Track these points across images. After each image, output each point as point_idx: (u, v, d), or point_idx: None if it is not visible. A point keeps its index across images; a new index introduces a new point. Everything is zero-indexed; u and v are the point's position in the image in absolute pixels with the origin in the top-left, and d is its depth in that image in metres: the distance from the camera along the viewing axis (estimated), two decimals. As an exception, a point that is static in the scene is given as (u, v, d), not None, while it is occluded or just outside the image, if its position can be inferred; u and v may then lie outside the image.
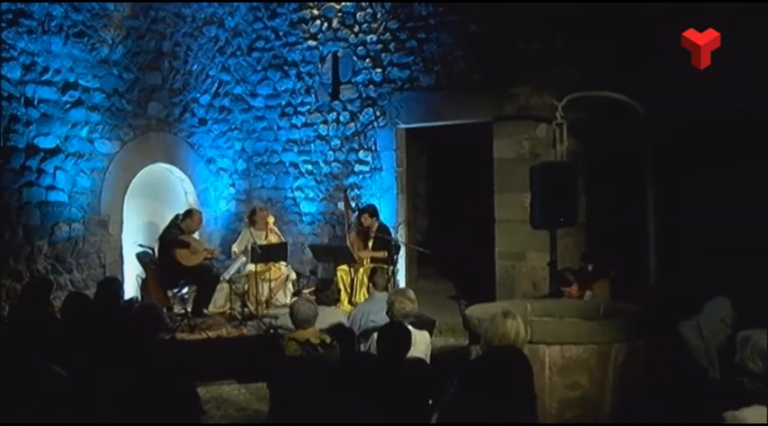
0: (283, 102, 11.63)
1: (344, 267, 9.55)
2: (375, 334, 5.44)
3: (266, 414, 5.64)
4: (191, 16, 10.81)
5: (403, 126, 10.68)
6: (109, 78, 9.49)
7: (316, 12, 11.30)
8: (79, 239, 9.16)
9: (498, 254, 9.67)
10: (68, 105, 8.98)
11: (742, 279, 6.46)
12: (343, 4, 11.05)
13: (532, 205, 8.75)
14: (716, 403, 3.59)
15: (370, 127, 10.86)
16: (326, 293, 9.93)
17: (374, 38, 10.78)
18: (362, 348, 6.26)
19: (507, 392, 3.30)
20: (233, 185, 11.86)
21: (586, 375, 5.47)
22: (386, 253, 9.39)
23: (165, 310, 7.29)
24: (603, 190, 8.79)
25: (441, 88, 10.21)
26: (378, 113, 10.78)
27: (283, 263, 10.03)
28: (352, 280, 9.44)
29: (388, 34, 10.63)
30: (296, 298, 6.43)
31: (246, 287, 9.82)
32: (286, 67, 11.58)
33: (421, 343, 5.58)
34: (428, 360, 5.60)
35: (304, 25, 11.40)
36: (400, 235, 10.37)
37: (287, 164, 11.67)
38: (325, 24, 11.22)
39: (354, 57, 10.98)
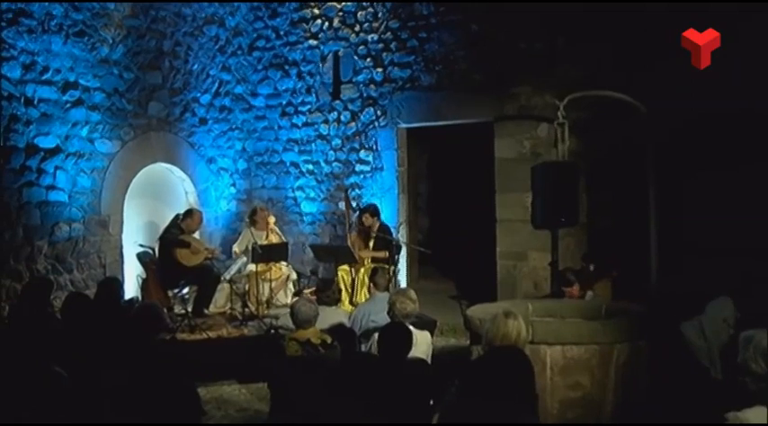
0: (284, 102, 11.62)
1: (345, 267, 9.55)
2: (376, 335, 5.44)
3: (267, 415, 5.63)
4: (191, 15, 10.80)
5: (404, 125, 10.67)
6: (109, 78, 9.48)
7: (316, 11, 11.29)
8: (79, 239, 9.15)
9: (499, 254, 9.65)
10: (68, 105, 8.97)
11: (744, 279, 6.44)
12: (343, 3, 11.04)
13: (534, 205, 8.74)
14: (718, 403, 3.58)
15: (371, 126, 10.85)
16: (327, 293, 9.91)
17: (375, 37, 10.76)
18: (363, 348, 6.25)
19: (508, 392, 3.29)
20: (233, 185, 11.85)
21: (588, 375, 5.45)
22: (387, 253, 9.38)
23: (165, 310, 7.28)
24: (605, 190, 8.77)
25: (442, 88, 10.20)
26: (379, 113, 10.77)
27: (284, 263, 10.03)
28: (353, 280, 9.43)
29: (389, 33, 10.62)
30: (297, 298, 6.41)
31: (247, 287, 9.81)
32: (287, 67, 11.57)
33: (422, 344, 5.57)
34: (429, 361, 5.59)
35: (305, 24, 11.39)
36: (401, 235, 10.36)
37: (288, 164, 11.66)
38: (326, 24, 11.20)
39: (355, 57, 10.97)
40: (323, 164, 11.32)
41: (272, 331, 8.21)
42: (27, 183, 8.52)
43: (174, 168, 10.90)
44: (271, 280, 9.77)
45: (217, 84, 11.36)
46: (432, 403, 4.82)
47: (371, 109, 10.83)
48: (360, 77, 10.93)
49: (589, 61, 8.81)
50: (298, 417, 4.76)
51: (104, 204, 9.49)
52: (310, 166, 11.45)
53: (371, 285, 7.50)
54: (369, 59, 10.85)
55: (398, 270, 10.04)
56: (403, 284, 10.09)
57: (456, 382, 4.13)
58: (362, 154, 10.95)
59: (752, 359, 3.60)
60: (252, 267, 9.55)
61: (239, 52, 11.68)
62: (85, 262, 9.20)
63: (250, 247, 9.45)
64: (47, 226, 8.74)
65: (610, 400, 5.49)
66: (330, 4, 11.15)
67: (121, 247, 9.75)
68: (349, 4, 10.99)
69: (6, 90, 8.23)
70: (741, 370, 3.65)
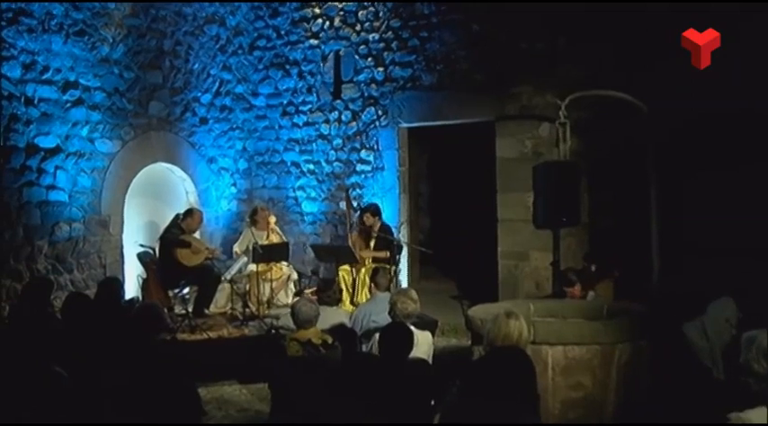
0: (285, 102, 11.61)
1: (346, 267, 9.55)
2: (377, 335, 5.44)
3: (268, 415, 5.62)
4: (192, 15, 10.78)
5: (405, 125, 10.66)
6: (109, 77, 9.46)
7: (317, 10, 11.28)
8: (80, 239, 9.14)
9: (501, 254, 9.64)
10: (69, 104, 8.95)
11: (746, 280, 6.43)
12: (344, 2, 11.02)
13: (535, 204, 8.74)
14: (720, 403, 3.57)
15: (372, 126, 10.83)
16: (328, 293, 9.95)
17: (376, 36, 10.75)
18: (364, 348, 6.24)
19: (510, 392, 3.28)
20: (234, 185, 11.84)
21: (589, 375, 5.45)
22: (388, 253, 9.38)
23: (165, 310, 7.27)
24: (606, 190, 8.76)
25: (443, 87, 10.18)
26: (380, 112, 10.76)
27: (285, 263, 10.02)
28: (354, 280, 9.43)
29: (390, 33, 10.61)
30: (297, 298, 6.41)
31: (248, 287, 9.81)
32: (288, 66, 11.56)
33: (423, 344, 5.56)
34: (430, 361, 5.58)
35: (306, 24, 11.38)
36: (402, 235, 10.35)
37: (288, 164, 11.65)
38: (327, 23, 11.19)
39: (356, 56, 10.95)
40: (324, 164, 11.31)
41: (273, 331, 8.22)
42: (27, 183, 8.51)
43: (175, 168, 10.89)
44: (271, 280, 9.77)
45: (217, 84, 11.34)
46: (433, 403, 4.81)
47: (372, 108, 10.82)
48: (361, 77, 10.91)
49: (590, 61, 8.80)
50: (298, 417, 4.75)
51: (105, 204, 9.47)
52: (311, 166, 11.44)
53: (372, 285, 7.50)
54: (370, 59, 10.83)
55: (399, 271, 10.04)
56: (404, 284, 10.07)
57: (457, 382, 4.12)
58: (363, 153, 10.93)
59: (754, 359, 3.59)
60: (253, 267, 9.54)
61: (240, 51, 11.67)
62: (86, 262, 9.19)
63: (251, 247, 9.44)
64: (47, 226, 8.73)
65: (611, 400, 5.48)
66: (331, 3, 11.14)
67: (122, 247, 9.73)
68: (350, 3, 10.98)
69: (6, 89, 8.21)
70: (743, 371, 3.64)
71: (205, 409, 5.31)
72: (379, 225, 9.62)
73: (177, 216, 9.65)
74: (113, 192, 9.63)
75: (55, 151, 8.80)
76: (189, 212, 9.72)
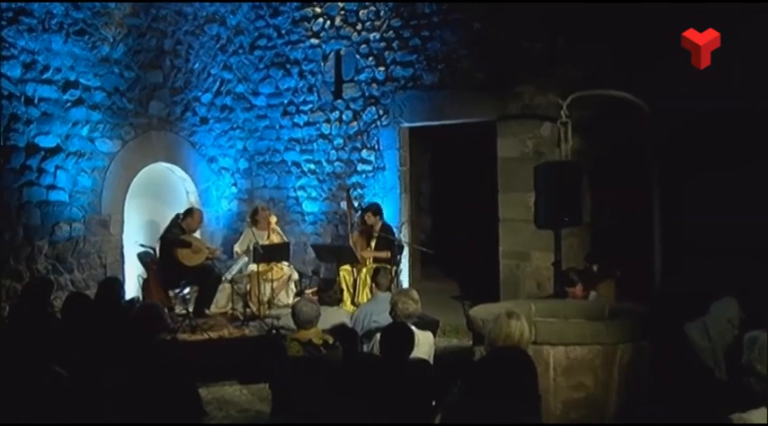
0: (285, 101, 11.60)
1: (347, 267, 9.54)
2: (378, 335, 5.43)
3: (268, 415, 5.61)
4: (192, 14, 10.77)
5: (406, 125, 10.64)
6: (110, 77, 9.45)
7: (318, 10, 11.27)
8: (80, 239, 9.13)
9: (502, 254, 9.63)
10: (69, 104, 8.95)
11: (748, 280, 6.42)
12: (345, 2, 11.01)
13: (537, 204, 8.70)
14: (722, 404, 3.57)
15: (373, 125, 10.82)
16: (329, 293, 9.94)
17: (377, 36, 10.74)
18: (365, 349, 6.23)
19: (511, 393, 3.27)
20: (235, 184, 11.83)
21: (591, 375, 5.43)
22: (389, 253, 9.38)
23: (166, 310, 7.26)
24: (608, 190, 8.74)
25: (444, 87, 10.17)
26: (381, 112, 10.75)
27: (285, 263, 10.02)
28: (355, 281, 9.43)
29: (391, 32, 10.60)
30: (298, 299, 6.40)
31: (248, 287, 9.80)
32: (288, 66, 11.55)
33: (424, 344, 5.55)
34: (431, 361, 5.57)
35: (306, 23, 11.37)
36: (403, 235, 10.35)
37: (289, 164, 11.64)
38: (328, 22, 11.18)
39: (357, 56, 10.94)
40: (325, 164, 11.30)
41: (274, 331, 8.21)
42: (27, 183, 8.50)
43: (175, 168, 10.88)
44: (272, 280, 9.77)
45: (218, 83, 11.33)
46: (434, 403, 4.80)
47: (373, 108, 10.80)
48: (362, 76, 10.90)
49: (590, 61, 8.79)
50: (299, 418, 4.74)
51: (105, 204, 9.47)
52: (312, 166, 11.43)
53: (373, 285, 7.49)
54: (371, 58, 10.82)
55: (400, 271, 10.02)
56: (405, 284, 10.06)
57: (458, 382, 4.12)
58: (364, 153, 10.92)
59: (757, 359, 3.58)
60: (253, 267, 9.53)
61: (240, 51, 11.66)
62: (86, 262, 9.18)
63: (251, 247, 9.43)
64: (47, 226, 8.72)
65: (613, 400, 5.47)
66: (332, 2, 11.13)
67: (122, 247, 9.72)
68: (351, 2, 10.96)
69: (6, 89, 8.20)
70: (746, 371, 3.63)
71: (206, 409, 5.31)
72: (380, 224, 9.62)
73: (177, 215, 9.64)
74: (114, 192, 9.62)
75: (55, 151, 8.79)
76: (189, 212, 9.71)
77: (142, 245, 9.58)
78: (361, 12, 10.89)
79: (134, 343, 5.06)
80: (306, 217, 11.52)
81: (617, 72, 8.43)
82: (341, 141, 11.13)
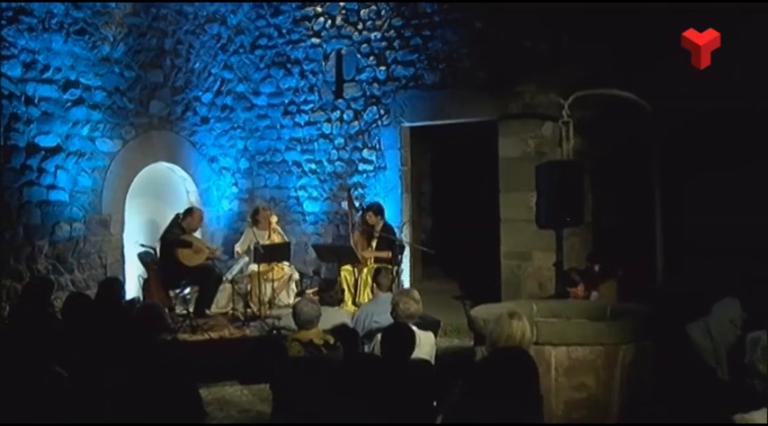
0: (286, 101, 11.59)
1: (348, 267, 9.53)
2: (379, 335, 5.42)
3: (269, 416, 5.62)
4: (193, 14, 10.76)
5: (407, 124, 10.63)
6: (110, 76, 9.44)
7: (319, 9, 11.26)
8: (80, 239, 9.11)
9: (504, 254, 9.62)
10: (69, 103, 8.93)
11: (750, 280, 6.42)
12: (346, 1, 11.00)
13: (538, 204, 8.69)
14: (724, 404, 3.56)
15: (375, 125, 10.81)
16: (330, 293, 9.92)
17: (378, 35, 10.73)
18: (366, 349, 6.23)
19: (513, 393, 3.27)
20: (235, 184, 11.81)
21: (593, 376, 5.43)
22: (390, 253, 9.37)
23: (166, 310, 7.24)
24: (610, 189, 8.74)
25: (445, 86, 10.16)
26: (382, 112, 10.74)
27: (286, 263, 10.01)
28: (356, 281, 9.41)
29: (392, 32, 10.59)
30: (299, 299, 6.39)
31: (249, 287, 9.79)
32: (289, 65, 11.54)
33: (425, 344, 5.55)
34: (433, 361, 5.56)
35: (307, 23, 11.35)
36: (405, 235, 10.33)
37: (290, 163, 11.62)
38: (329, 22, 11.17)
39: (358, 55, 10.93)
40: (325, 164, 11.29)
41: (275, 331, 8.20)
42: (27, 183, 8.48)
43: (176, 167, 10.86)
44: (273, 281, 9.76)
45: (219, 83, 11.32)
46: (435, 404, 4.79)
47: (374, 107, 10.79)
48: (363, 76, 10.89)
49: (590, 61, 8.79)
50: (300, 418, 4.74)
51: (105, 203, 9.45)
52: (313, 165, 11.41)
53: (374, 285, 7.47)
54: (372, 58, 10.81)
55: (402, 271, 10.01)
56: (406, 284, 10.06)
57: (460, 383, 4.11)
58: (365, 153, 10.91)
59: (759, 360, 3.59)
60: (254, 267, 9.51)
61: (241, 50, 11.65)
62: (86, 262, 9.16)
63: (252, 247, 9.42)
64: (47, 226, 8.70)
65: (615, 401, 5.47)
66: (333, 1, 11.11)
67: (123, 247, 9.71)
68: (352, 1, 10.95)
69: (7, 89, 8.18)
70: (748, 371, 3.63)
71: (206, 410, 5.31)
72: (381, 224, 9.61)
73: (177, 215, 9.62)
74: (114, 192, 9.60)
75: (55, 150, 8.77)
76: (189, 211, 9.69)
77: (142, 245, 9.57)
78: (363, 11, 10.88)
79: (134, 343, 5.05)
80: (307, 217, 11.51)
81: (617, 72, 8.43)
82: (342, 141, 11.12)
